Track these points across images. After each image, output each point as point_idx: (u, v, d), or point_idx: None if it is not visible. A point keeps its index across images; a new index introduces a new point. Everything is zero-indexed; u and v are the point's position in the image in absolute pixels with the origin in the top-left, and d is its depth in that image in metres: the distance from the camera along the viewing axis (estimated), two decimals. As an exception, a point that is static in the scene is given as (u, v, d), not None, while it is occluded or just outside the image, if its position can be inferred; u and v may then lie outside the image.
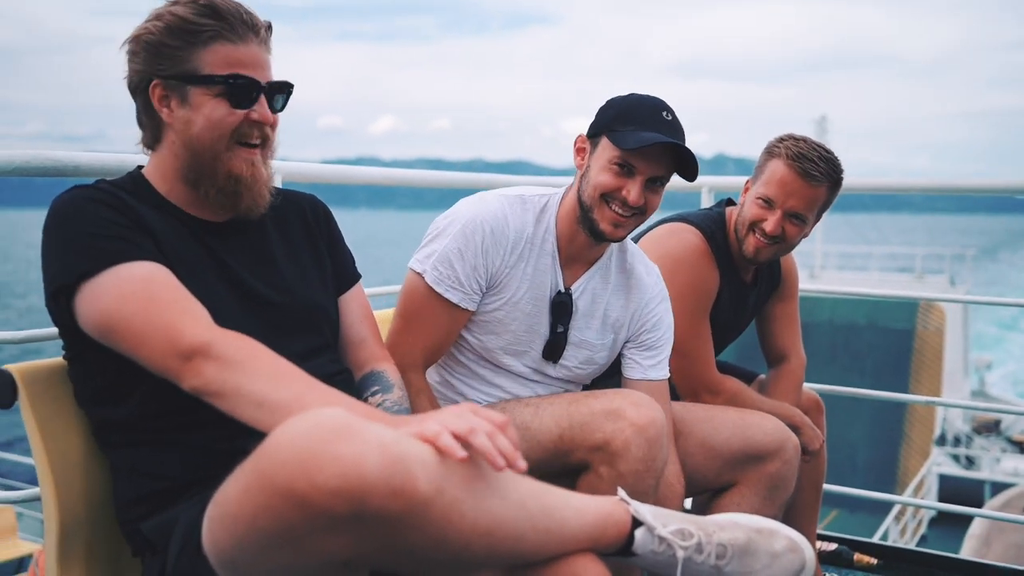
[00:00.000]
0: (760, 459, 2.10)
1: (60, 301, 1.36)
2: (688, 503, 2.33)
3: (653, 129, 1.75)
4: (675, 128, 1.78)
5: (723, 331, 2.35)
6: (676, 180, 1.86)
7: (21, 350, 1.87)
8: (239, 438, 1.27)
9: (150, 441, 1.42)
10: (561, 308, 1.90)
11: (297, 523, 1.02)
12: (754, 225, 2.19)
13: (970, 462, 17.04)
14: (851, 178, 2.24)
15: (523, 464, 1.14)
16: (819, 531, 2.85)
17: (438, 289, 1.81)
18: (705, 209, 2.40)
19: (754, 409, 2.22)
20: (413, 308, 1.84)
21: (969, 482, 15.77)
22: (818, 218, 2.22)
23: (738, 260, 2.31)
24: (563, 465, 1.77)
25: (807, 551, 1.39)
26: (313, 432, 1.03)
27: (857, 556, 2.92)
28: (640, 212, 1.81)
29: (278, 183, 1.98)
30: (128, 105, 1.50)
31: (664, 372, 2.01)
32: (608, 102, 1.84)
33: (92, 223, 1.36)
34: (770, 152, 2.20)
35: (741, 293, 2.37)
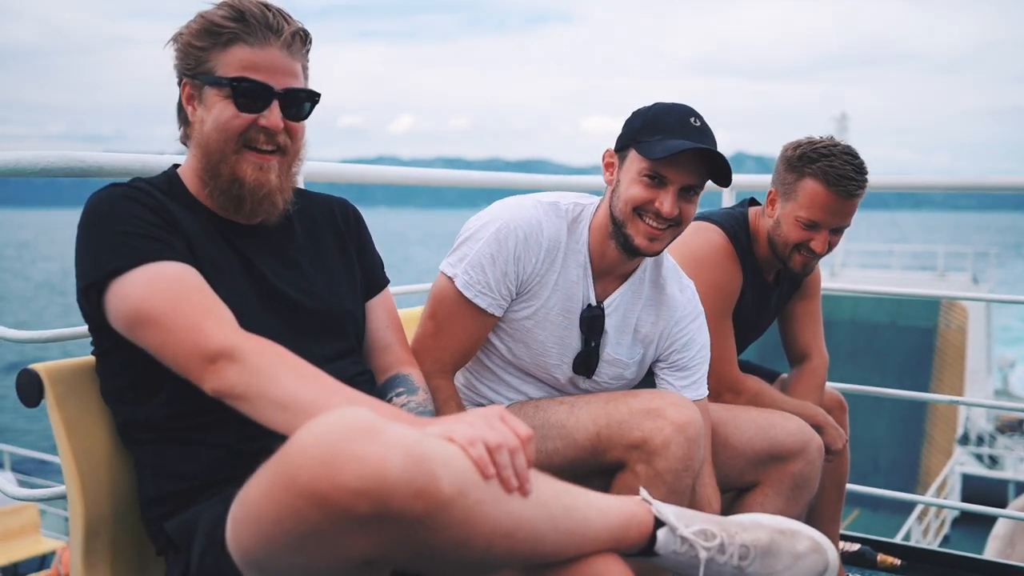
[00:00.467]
0: (783, 459, 2.09)
1: (91, 297, 1.37)
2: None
3: (682, 137, 1.70)
4: (705, 134, 1.73)
5: (745, 330, 2.34)
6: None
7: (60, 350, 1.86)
8: (263, 438, 1.27)
9: (174, 440, 1.43)
10: (592, 323, 1.86)
11: (320, 523, 1.02)
12: (800, 246, 2.19)
13: (993, 461, 16.85)
14: (873, 176, 2.23)
15: (530, 489, 1.15)
16: (842, 531, 2.83)
17: (467, 294, 1.78)
18: (728, 208, 2.39)
19: (777, 409, 2.21)
20: (443, 312, 1.82)
21: (992, 482, 15.59)
22: None
23: (761, 260, 2.31)
24: (599, 463, 1.75)
25: (830, 552, 1.39)
26: (336, 432, 1.03)
27: (880, 557, 2.91)
28: (675, 223, 1.76)
29: (300, 183, 1.99)
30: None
31: (701, 391, 1.96)
32: (634, 113, 1.79)
33: (126, 221, 1.37)
34: (800, 170, 2.15)
35: (763, 293, 2.36)
